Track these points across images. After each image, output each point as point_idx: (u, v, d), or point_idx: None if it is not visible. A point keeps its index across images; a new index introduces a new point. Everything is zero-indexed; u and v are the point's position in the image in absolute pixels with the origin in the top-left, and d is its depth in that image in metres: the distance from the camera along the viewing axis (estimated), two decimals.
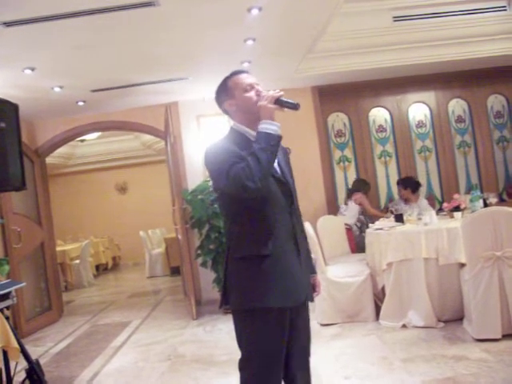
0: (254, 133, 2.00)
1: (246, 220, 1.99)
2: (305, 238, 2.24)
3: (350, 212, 6.02)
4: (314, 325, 4.59)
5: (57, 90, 5.28)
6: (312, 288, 2.24)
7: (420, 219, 4.73)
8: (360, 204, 6.00)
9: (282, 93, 1.97)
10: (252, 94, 2.02)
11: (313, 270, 2.26)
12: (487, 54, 6.02)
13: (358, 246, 5.79)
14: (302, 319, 2.12)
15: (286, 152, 2.24)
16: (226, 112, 2.13)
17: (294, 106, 1.97)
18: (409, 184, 5.98)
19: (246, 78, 2.05)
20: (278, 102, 1.96)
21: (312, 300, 2.15)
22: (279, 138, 1.90)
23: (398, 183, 6.20)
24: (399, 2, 5.58)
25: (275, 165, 2.02)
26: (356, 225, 6.02)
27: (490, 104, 7.03)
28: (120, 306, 7.11)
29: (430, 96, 6.99)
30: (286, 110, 1.99)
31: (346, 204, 6.20)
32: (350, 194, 6.24)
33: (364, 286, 4.64)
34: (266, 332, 1.96)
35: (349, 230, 5.89)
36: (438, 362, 3.44)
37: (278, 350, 1.99)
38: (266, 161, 1.83)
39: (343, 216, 6.05)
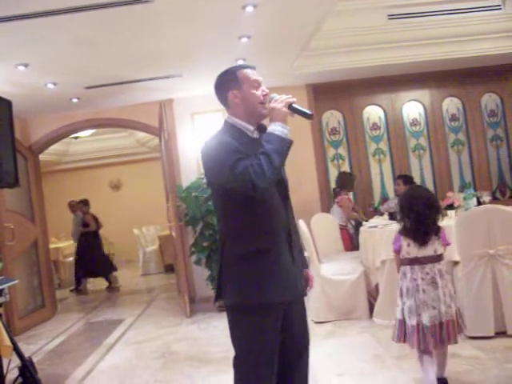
0: (250, 127, 2.04)
1: (242, 216, 1.98)
2: (297, 233, 2.24)
3: (334, 213, 6.04)
4: None
5: (50, 86, 5.24)
6: (305, 282, 2.25)
7: None
8: (341, 207, 6.00)
9: (294, 99, 1.97)
10: (259, 92, 2.03)
11: (305, 265, 2.27)
12: (482, 53, 6.04)
13: (353, 244, 5.80)
14: (299, 317, 2.13)
15: None
16: (225, 101, 2.08)
17: (309, 116, 1.96)
18: (409, 181, 6.01)
19: (254, 75, 2.06)
20: (291, 108, 1.95)
21: (306, 294, 2.16)
22: (290, 143, 1.90)
23: (399, 178, 6.20)
24: (394, 0, 5.59)
25: None
26: (351, 223, 6.03)
27: (483, 103, 7.06)
28: (114, 303, 7.10)
29: (424, 94, 7.01)
30: (295, 115, 1.98)
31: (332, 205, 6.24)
32: (334, 194, 6.26)
33: (358, 284, 4.65)
34: (261, 327, 1.96)
35: (342, 228, 5.89)
36: None
37: (271, 346, 1.99)
38: (279, 163, 1.85)
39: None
